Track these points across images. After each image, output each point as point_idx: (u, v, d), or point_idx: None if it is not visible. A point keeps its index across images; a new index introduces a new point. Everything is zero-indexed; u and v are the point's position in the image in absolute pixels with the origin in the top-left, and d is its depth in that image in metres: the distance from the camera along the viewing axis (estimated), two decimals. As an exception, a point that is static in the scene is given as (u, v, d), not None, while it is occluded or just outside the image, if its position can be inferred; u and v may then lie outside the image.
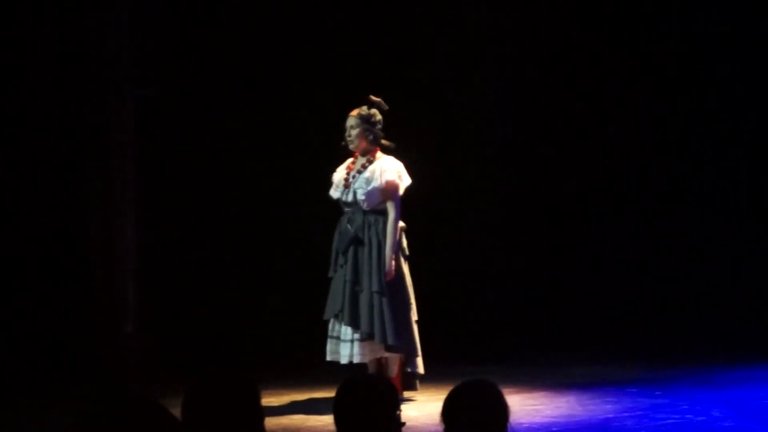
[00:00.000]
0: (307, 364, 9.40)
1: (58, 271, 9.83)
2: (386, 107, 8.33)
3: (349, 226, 8.16)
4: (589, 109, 12.01)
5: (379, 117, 8.28)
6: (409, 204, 8.33)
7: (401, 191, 8.17)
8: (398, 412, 3.84)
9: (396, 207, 8.12)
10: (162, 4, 10.65)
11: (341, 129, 8.33)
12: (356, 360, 8.09)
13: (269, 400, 8.31)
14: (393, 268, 8.05)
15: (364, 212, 8.16)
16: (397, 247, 8.11)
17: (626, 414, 8.12)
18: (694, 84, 11.94)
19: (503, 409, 3.85)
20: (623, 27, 11.97)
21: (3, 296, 9.71)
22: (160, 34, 10.56)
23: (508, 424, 3.84)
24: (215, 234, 11.17)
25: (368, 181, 8.13)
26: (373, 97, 8.33)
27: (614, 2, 11.98)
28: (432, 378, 8.48)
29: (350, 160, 8.37)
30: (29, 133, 9.84)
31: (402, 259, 8.22)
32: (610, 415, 8.10)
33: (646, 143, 12.05)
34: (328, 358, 8.24)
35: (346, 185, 8.22)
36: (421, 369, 8.26)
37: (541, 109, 11.97)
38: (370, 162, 8.23)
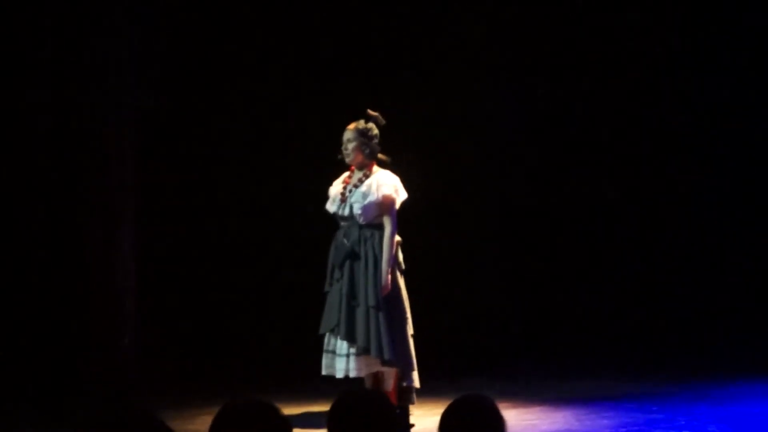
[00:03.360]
0: (302, 378, 9.40)
1: (56, 282, 9.82)
2: (383, 122, 8.32)
3: (345, 240, 8.15)
4: (593, 120, 12.00)
5: (376, 131, 8.27)
6: (405, 217, 8.32)
7: (397, 205, 8.16)
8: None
9: (392, 221, 8.11)
10: (163, 15, 10.67)
11: (339, 142, 8.33)
12: (352, 374, 8.07)
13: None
14: (389, 282, 8.05)
15: (360, 226, 8.14)
16: (394, 261, 8.12)
17: (623, 429, 8.12)
18: (706, 88, 11.94)
19: (500, 423, 3.85)
20: (632, 32, 11.97)
21: (1, 308, 9.70)
22: (161, 45, 10.59)
23: (505, 439, 3.84)
24: (214, 245, 11.18)
25: (365, 195, 8.13)
26: (370, 112, 8.33)
27: (621, 8, 11.98)
28: (428, 392, 8.48)
29: (346, 173, 8.37)
30: (28, 142, 9.85)
31: (398, 274, 8.22)
32: (607, 431, 8.11)
33: (650, 156, 12.05)
34: (324, 372, 8.22)
35: (343, 199, 8.22)
36: (417, 383, 8.24)
37: (543, 119, 11.97)
38: (367, 176, 8.22)
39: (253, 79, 11.24)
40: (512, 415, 8.55)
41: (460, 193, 11.65)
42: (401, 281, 8.21)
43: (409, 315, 8.23)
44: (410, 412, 8.20)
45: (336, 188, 8.33)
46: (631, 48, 11.98)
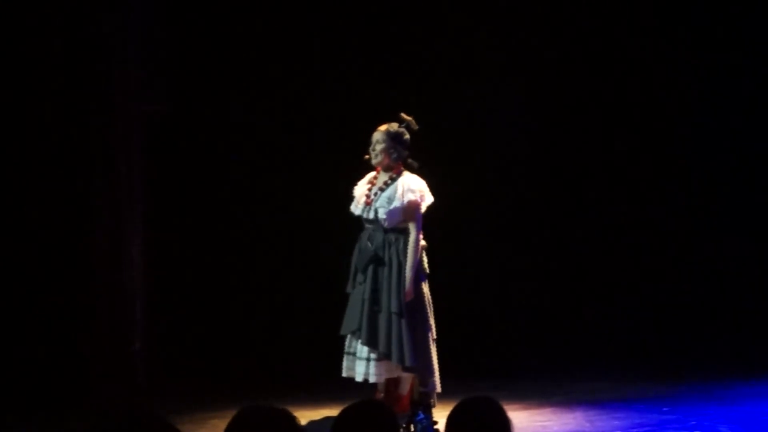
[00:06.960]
0: (321, 380, 9.38)
1: (65, 287, 9.85)
2: (416, 127, 8.14)
3: (369, 244, 8.03)
4: (603, 127, 12.00)
5: (407, 136, 8.09)
6: (427, 221, 8.21)
7: (423, 210, 8.02)
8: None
9: (417, 226, 7.94)
10: (171, 21, 10.69)
11: (360, 143, 8.20)
12: (372, 379, 7.98)
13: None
14: (412, 288, 7.98)
15: (385, 230, 8.01)
16: (418, 267, 8.05)
17: (634, 430, 8.14)
18: (710, 99, 11.94)
19: (506, 424, 3.87)
20: (636, 34, 11.97)
21: (10, 313, 9.73)
22: (168, 50, 10.60)
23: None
24: (224, 250, 11.19)
25: (390, 199, 7.99)
26: (404, 116, 8.17)
27: (627, 9, 11.99)
28: (442, 394, 8.48)
29: (372, 174, 8.22)
30: (36, 149, 9.87)
31: (422, 279, 8.13)
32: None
33: (659, 159, 12.05)
34: (344, 374, 8.14)
35: (368, 202, 8.10)
36: (438, 387, 8.18)
37: (556, 126, 11.96)
38: (393, 180, 8.06)
39: (263, 82, 11.25)
40: (523, 417, 8.56)
41: (476, 197, 11.62)
42: (425, 287, 8.11)
43: (432, 321, 8.16)
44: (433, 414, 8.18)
45: (361, 189, 8.21)
46: (646, 47, 11.98)
